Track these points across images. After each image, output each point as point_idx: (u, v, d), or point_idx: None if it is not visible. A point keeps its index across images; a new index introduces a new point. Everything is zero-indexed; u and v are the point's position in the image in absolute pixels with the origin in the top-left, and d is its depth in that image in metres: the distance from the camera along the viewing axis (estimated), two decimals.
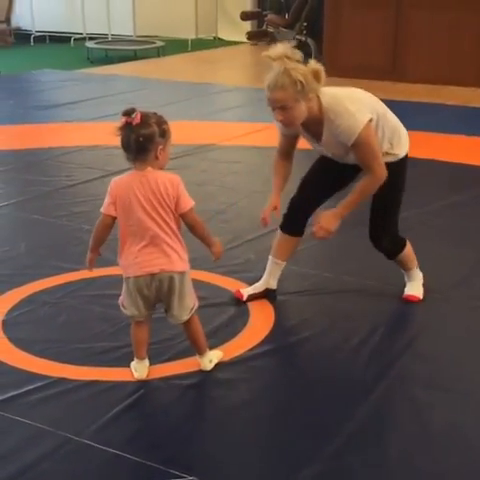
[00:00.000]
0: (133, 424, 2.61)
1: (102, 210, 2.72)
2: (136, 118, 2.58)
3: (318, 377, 2.92)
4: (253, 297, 3.45)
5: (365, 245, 3.39)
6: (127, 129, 2.59)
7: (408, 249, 3.42)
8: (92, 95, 8.40)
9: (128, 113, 2.58)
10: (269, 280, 3.48)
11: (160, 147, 2.64)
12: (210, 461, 2.42)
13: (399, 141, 3.20)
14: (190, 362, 2.92)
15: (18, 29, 13.36)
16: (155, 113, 2.68)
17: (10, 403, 2.67)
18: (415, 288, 3.49)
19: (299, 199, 3.37)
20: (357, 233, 3.53)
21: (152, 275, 2.69)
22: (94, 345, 3.07)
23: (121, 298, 2.82)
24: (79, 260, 3.80)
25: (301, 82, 2.88)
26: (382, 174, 3.04)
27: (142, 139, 2.59)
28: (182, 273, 2.72)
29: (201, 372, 2.88)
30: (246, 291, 3.47)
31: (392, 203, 3.28)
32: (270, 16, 10.24)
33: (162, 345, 3.05)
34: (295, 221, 3.38)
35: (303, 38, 10.03)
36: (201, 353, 2.89)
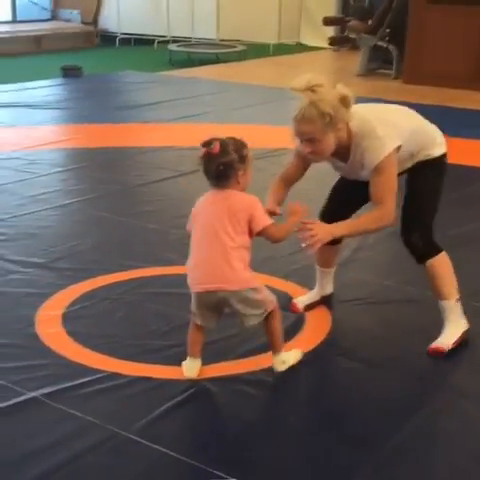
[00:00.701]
0: (181, 423, 2.62)
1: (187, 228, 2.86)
2: (215, 148, 2.65)
3: (370, 388, 2.87)
4: (310, 307, 3.43)
5: None
6: (207, 159, 2.68)
7: (445, 263, 3.08)
8: (171, 97, 8.51)
9: (207, 144, 2.67)
10: (321, 288, 3.45)
11: (240, 172, 2.71)
12: (254, 465, 2.40)
13: (434, 143, 3.08)
14: (246, 363, 2.94)
15: (104, 31, 13.67)
16: (234, 139, 2.73)
17: (62, 395, 2.71)
18: (446, 334, 3.09)
19: (331, 208, 3.29)
20: None
21: (211, 292, 2.72)
22: (149, 342, 3.09)
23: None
24: (142, 258, 3.89)
25: (329, 114, 2.76)
26: (391, 211, 2.88)
27: (222, 167, 2.68)
28: (239, 291, 2.72)
29: (255, 374, 2.87)
30: (302, 302, 3.44)
31: (427, 197, 3.07)
32: (352, 22, 10.16)
33: (218, 345, 3.06)
34: None
35: (385, 44, 9.91)
36: (274, 352, 2.88)
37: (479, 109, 7.90)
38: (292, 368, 2.90)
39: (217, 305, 2.76)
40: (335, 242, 3.21)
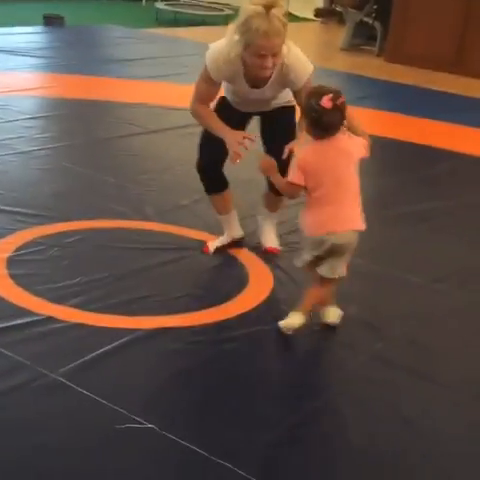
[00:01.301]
0: (110, 369, 2.68)
1: (294, 180, 2.84)
2: (342, 98, 2.75)
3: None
4: (220, 249, 3.60)
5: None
6: (335, 108, 2.73)
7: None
8: (151, 55, 8.46)
9: (337, 95, 2.74)
10: (230, 232, 3.62)
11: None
12: (171, 414, 2.47)
13: None
14: (182, 318, 3.01)
15: None
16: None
17: None
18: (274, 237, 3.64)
19: (214, 158, 3.42)
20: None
21: (355, 230, 2.88)
22: (90, 290, 3.14)
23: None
24: (96, 210, 3.92)
25: (286, 26, 2.98)
26: None
27: (342, 116, 2.79)
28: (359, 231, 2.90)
29: (188, 329, 2.94)
30: (212, 245, 3.61)
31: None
32: None
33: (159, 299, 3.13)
34: (218, 179, 3.51)
35: (370, 21, 9.89)
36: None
37: (458, 93, 7.97)
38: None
39: (346, 248, 2.88)
40: (225, 187, 3.53)
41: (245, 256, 3.60)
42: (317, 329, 3.02)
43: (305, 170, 2.81)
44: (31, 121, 5.42)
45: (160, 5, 11.62)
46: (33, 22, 9.45)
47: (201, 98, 3.30)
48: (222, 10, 11.84)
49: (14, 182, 4.24)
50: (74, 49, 8.42)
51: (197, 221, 3.89)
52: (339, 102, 2.74)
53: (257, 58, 3.02)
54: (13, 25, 9.18)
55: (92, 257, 3.46)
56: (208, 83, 3.24)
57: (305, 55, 3.20)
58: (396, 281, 3.52)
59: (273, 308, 3.20)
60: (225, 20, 11.52)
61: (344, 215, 2.86)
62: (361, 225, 2.90)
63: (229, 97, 3.41)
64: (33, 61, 7.46)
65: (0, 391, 2.45)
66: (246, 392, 2.64)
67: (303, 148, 2.88)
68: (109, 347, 2.76)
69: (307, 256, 2.93)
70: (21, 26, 9.15)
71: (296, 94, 3.22)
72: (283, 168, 2.93)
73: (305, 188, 2.85)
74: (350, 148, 2.86)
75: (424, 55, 9.15)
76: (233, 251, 3.62)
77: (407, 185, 4.91)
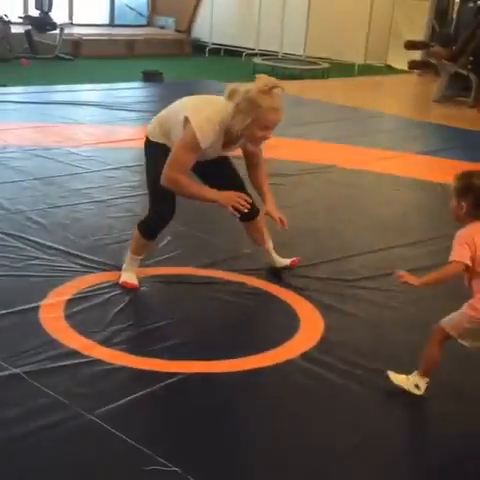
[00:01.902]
0: (145, 412, 2.74)
1: (457, 259, 2.71)
2: None
3: None
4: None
5: None
6: None
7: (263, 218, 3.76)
8: None
9: None
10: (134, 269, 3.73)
11: None
12: (201, 459, 2.50)
13: None
14: (229, 363, 3.03)
15: (196, 40, 13.98)
16: None
17: (41, 374, 2.88)
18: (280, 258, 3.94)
19: (170, 213, 3.58)
20: None
21: None
22: (141, 335, 3.25)
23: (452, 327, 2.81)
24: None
25: None
26: None
27: None
28: None
29: (234, 376, 2.97)
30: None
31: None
32: (435, 47, 10.08)
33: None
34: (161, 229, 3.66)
35: (465, 72, 9.79)
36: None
37: None
38: None
39: None
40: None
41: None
42: None
43: (471, 248, 2.69)
44: (113, 171, 5.65)
45: (257, 60, 11.90)
46: (134, 78, 9.87)
47: (182, 168, 3.36)
48: (318, 64, 12.00)
49: (87, 229, 4.41)
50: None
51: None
52: None
53: (261, 131, 3.32)
54: (119, 81, 9.61)
55: (145, 304, 3.56)
56: (195, 152, 3.35)
57: None
58: None
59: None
60: (322, 74, 11.70)
61: None
62: None
63: None
64: (127, 115, 7.79)
65: (34, 428, 2.55)
66: (274, 442, 2.64)
67: (466, 228, 2.76)
68: (148, 390, 2.82)
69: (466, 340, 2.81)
70: (121, 82, 9.57)
71: (251, 151, 3.61)
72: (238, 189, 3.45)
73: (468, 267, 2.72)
74: None
75: None
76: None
77: None
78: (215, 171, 3.60)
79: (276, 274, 3.91)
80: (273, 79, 3.34)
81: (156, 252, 4.01)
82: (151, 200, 3.61)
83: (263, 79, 3.32)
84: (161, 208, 3.58)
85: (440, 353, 2.84)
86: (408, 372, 2.90)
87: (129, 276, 3.67)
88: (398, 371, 2.93)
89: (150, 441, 2.53)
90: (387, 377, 2.91)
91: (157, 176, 3.41)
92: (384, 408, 2.87)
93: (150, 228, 3.63)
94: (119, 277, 3.69)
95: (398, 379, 2.89)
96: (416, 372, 2.87)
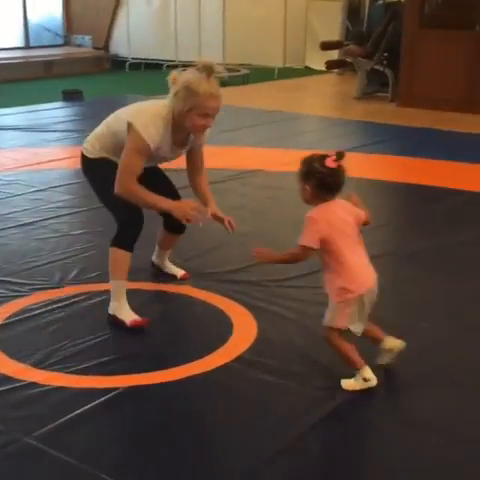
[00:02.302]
0: (84, 430, 2.72)
1: (305, 244, 2.85)
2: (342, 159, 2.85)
3: None
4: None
5: None
6: (340, 169, 2.85)
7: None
8: None
9: (341, 156, 2.84)
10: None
11: None
12: (144, 473, 2.50)
13: None
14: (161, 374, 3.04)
15: (115, 56, 13.92)
16: None
17: None
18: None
19: (140, 215, 3.45)
20: None
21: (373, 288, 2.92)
22: (75, 354, 3.22)
23: (337, 321, 2.88)
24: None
25: None
26: None
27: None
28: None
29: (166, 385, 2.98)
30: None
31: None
32: (350, 46, 10.26)
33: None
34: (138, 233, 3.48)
35: (381, 68, 10.00)
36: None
37: (469, 132, 7.98)
38: None
39: (368, 304, 2.88)
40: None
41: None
42: None
43: (320, 230, 2.83)
44: (38, 193, 5.58)
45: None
46: (56, 98, 9.78)
47: (133, 173, 3.30)
48: (238, 70, 12.09)
49: (13, 253, 4.36)
50: (90, 121, 8.66)
51: None
52: (341, 162, 2.83)
53: (201, 118, 3.27)
54: (37, 102, 9.49)
55: (79, 322, 3.53)
56: (144, 154, 3.31)
57: None
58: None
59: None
60: (242, 80, 11.79)
61: (367, 268, 2.91)
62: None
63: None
64: (49, 135, 7.70)
65: None
66: (217, 447, 2.65)
67: (313, 211, 2.88)
68: (85, 408, 2.81)
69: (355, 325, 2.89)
70: (40, 104, 9.46)
71: (195, 151, 3.59)
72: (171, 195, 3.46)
73: (315, 250, 2.86)
74: (353, 209, 2.93)
75: (435, 97, 9.20)
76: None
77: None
78: (151, 178, 3.53)
79: (154, 272, 4.00)
80: (212, 63, 3.28)
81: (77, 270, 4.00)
82: (115, 213, 3.49)
83: (202, 63, 3.28)
84: (128, 215, 3.44)
85: (347, 340, 2.91)
86: (344, 367, 2.96)
87: (130, 314, 3.45)
88: (334, 366, 3.00)
89: (92, 459, 2.52)
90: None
91: (111, 189, 3.34)
92: (323, 404, 2.90)
93: (126, 238, 3.44)
94: (52, 296, 3.68)
95: (349, 385, 2.92)
96: (355, 370, 2.91)
